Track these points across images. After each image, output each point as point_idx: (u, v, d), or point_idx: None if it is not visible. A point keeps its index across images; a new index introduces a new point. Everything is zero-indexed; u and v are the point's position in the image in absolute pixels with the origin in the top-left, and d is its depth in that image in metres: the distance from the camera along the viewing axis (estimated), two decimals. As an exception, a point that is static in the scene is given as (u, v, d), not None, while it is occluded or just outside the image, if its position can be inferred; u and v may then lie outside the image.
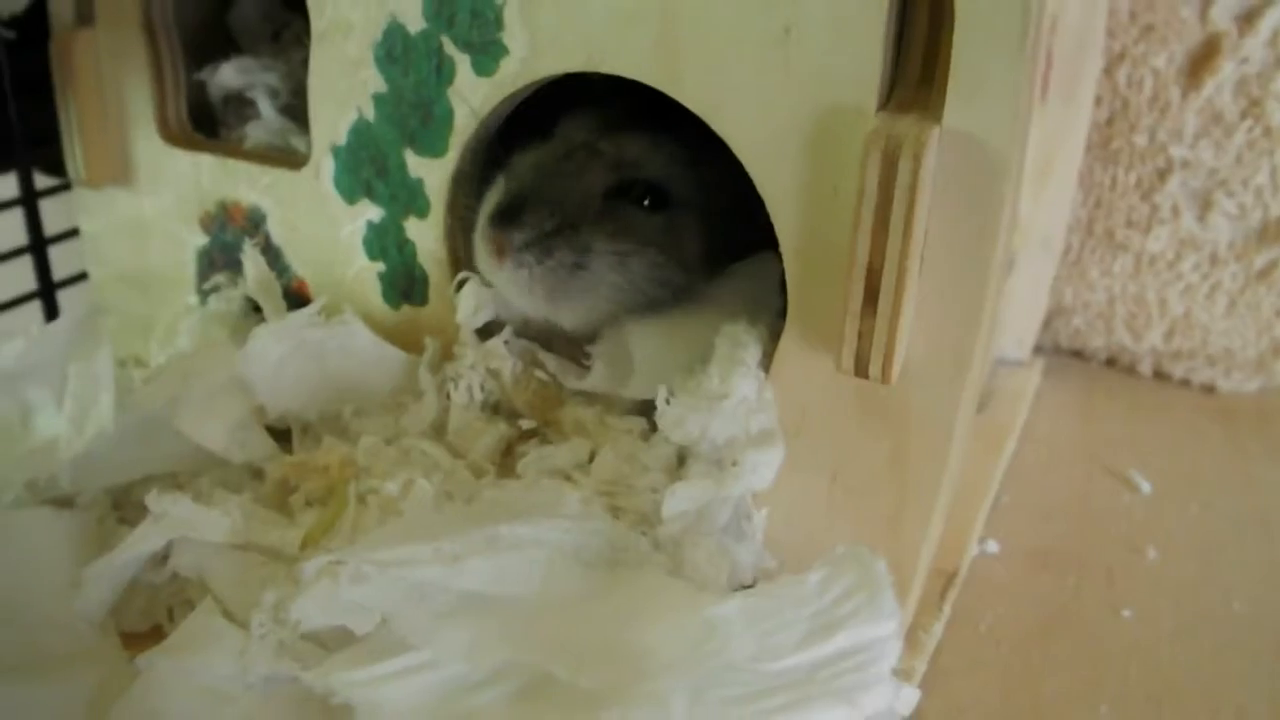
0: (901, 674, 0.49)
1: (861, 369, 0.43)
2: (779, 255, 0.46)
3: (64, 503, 0.54)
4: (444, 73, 0.50)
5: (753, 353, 0.48)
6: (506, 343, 0.55)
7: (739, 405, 0.47)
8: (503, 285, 0.53)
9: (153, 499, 0.49)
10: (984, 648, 0.53)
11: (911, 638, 0.51)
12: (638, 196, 0.54)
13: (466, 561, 0.43)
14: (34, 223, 0.70)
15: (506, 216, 0.51)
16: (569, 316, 0.54)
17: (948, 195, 0.40)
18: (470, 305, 0.55)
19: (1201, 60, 0.67)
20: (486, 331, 0.56)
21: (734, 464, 0.47)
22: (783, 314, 0.47)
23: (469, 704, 0.41)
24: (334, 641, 0.45)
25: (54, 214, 0.71)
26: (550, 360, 0.56)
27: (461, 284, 0.55)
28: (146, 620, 0.50)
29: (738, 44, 0.43)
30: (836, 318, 0.43)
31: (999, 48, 0.39)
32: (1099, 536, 0.61)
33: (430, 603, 0.43)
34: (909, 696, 0.48)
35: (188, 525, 0.48)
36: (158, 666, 0.45)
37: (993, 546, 0.60)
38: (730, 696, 0.39)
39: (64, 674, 0.46)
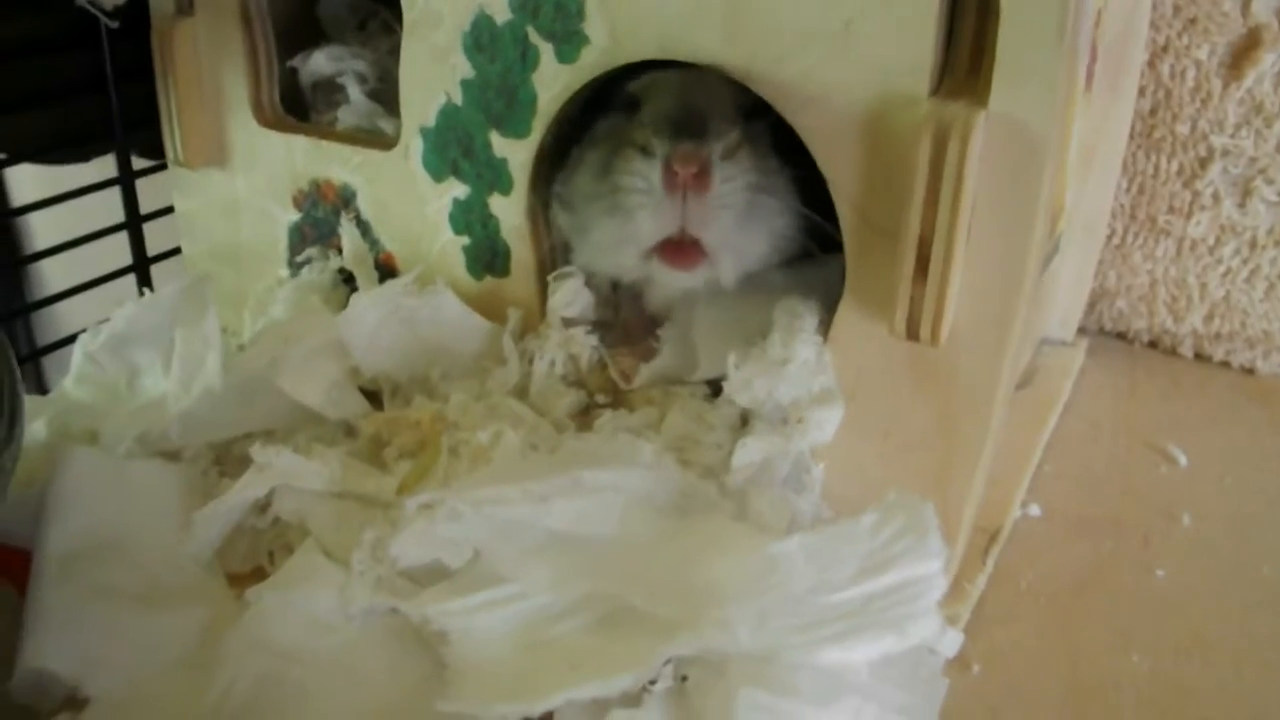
0: (947, 619, 0.54)
1: (913, 332, 0.48)
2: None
3: (171, 456, 0.60)
4: (529, 60, 0.56)
5: (810, 321, 0.54)
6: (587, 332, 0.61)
7: (801, 368, 0.52)
8: (688, 216, 0.54)
9: (257, 450, 0.55)
10: (1024, 601, 0.58)
11: (956, 588, 0.56)
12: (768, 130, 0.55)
13: (552, 502, 0.49)
14: (131, 201, 0.77)
15: (690, 128, 0.52)
16: (750, 252, 0.56)
17: (993, 173, 0.46)
18: (565, 298, 0.60)
19: (1243, 52, 0.72)
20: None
21: (799, 421, 0.52)
22: (829, 304, 0.52)
23: (553, 631, 0.47)
24: (427, 578, 0.50)
25: (149, 193, 0.78)
26: (619, 361, 0.62)
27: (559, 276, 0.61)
28: (249, 562, 0.56)
29: (802, 36, 0.49)
30: (890, 286, 0.48)
31: (1040, 39, 0.44)
32: (1136, 504, 0.66)
33: (518, 540, 0.49)
34: (953, 639, 0.53)
35: (289, 474, 0.54)
36: (265, 599, 0.51)
37: (1035, 510, 0.65)
38: (790, 625, 0.44)
39: (177, 606, 0.53)
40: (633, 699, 0.44)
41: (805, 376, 0.52)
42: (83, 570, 0.52)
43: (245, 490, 0.54)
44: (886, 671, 0.45)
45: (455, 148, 0.60)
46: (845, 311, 0.51)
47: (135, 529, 0.55)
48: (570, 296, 0.60)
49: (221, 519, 0.55)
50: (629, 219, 0.55)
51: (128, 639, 0.50)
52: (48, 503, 0.54)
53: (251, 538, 0.56)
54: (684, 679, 0.44)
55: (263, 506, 0.56)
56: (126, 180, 0.76)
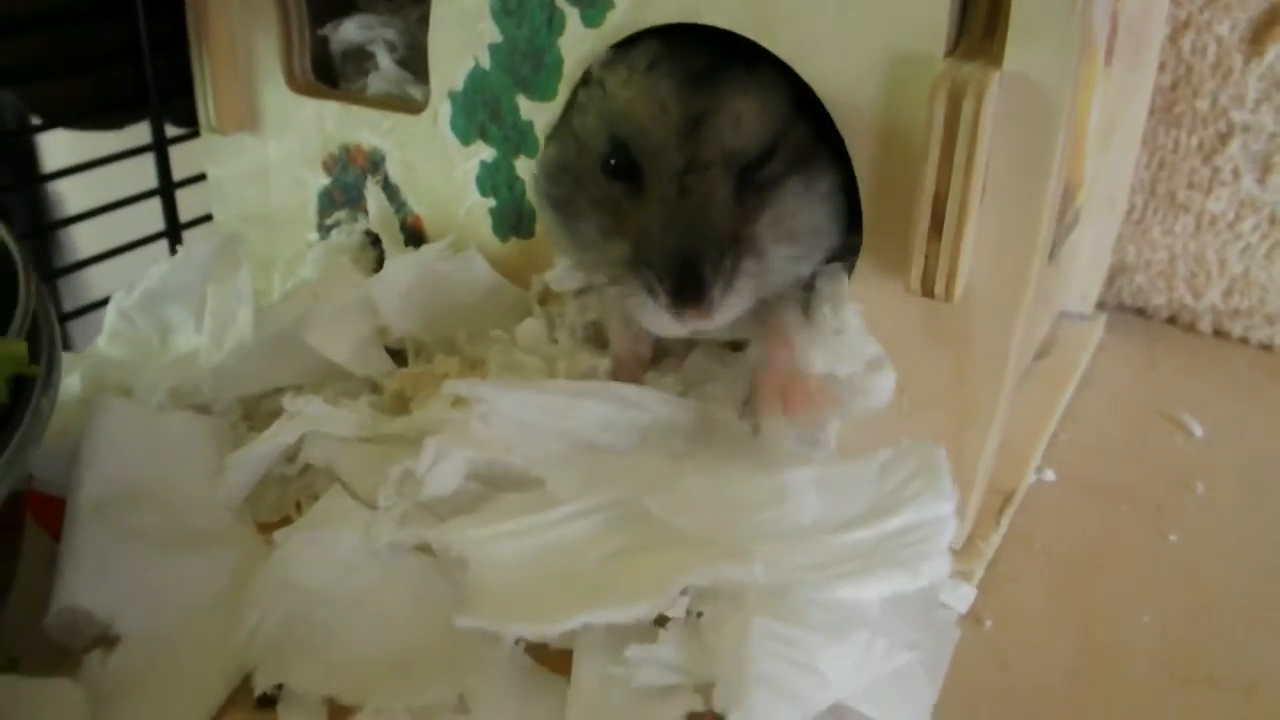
0: (960, 575, 0.56)
1: (928, 289, 0.50)
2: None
3: (202, 409, 0.62)
4: (554, 25, 0.57)
5: (848, 286, 0.55)
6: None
7: (856, 337, 0.54)
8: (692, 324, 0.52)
9: (288, 400, 0.57)
10: (1037, 561, 0.60)
11: (970, 546, 0.58)
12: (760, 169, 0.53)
13: (580, 403, 0.51)
14: (164, 168, 0.79)
15: (690, 287, 0.50)
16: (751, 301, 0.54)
17: (1008, 133, 0.47)
18: (560, 275, 0.61)
19: (1264, 28, 0.73)
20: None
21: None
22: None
23: (571, 561, 0.49)
24: (450, 513, 0.52)
25: (181, 161, 0.80)
26: None
27: None
28: (277, 512, 0.58)
29: (822, -1, 0.50)
30: (906, 244, 0.50)
31: (1054, 2, 0.46)
32: (1150, 472, 0.67)
33: (546, 444, 0.51)
34: (966, 594, 0.55)
35: (319, 420, 0.56)
36: (293, 540, 0.53)
37: (1050, 475, 0.66)
38: (803, 563, 0.46)
39: (207, 550, 0.55)
40: (648, 633, 0.46)
41: (859, 346, 0.54)
42: (115, 514, 0.54)
43: (277, 436, 0.56)
44: (898, 610, 0.46)
45: (483, 111, 0.62)
46: (863, 269, 0.53)
47: (167, 477, 0.56)
48: (564, 274, 0.60)
49: (253, 464, 0.57)
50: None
51: (158, 580, 0.52)
52: (82, 450, 0.56)
53: (280, 488, 0.58)
54: (699, 615, 0.46)
55: (291, 457, 0.58)
56: (160, 146, 0.78)
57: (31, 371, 0.45)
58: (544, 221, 0.62)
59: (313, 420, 0.56)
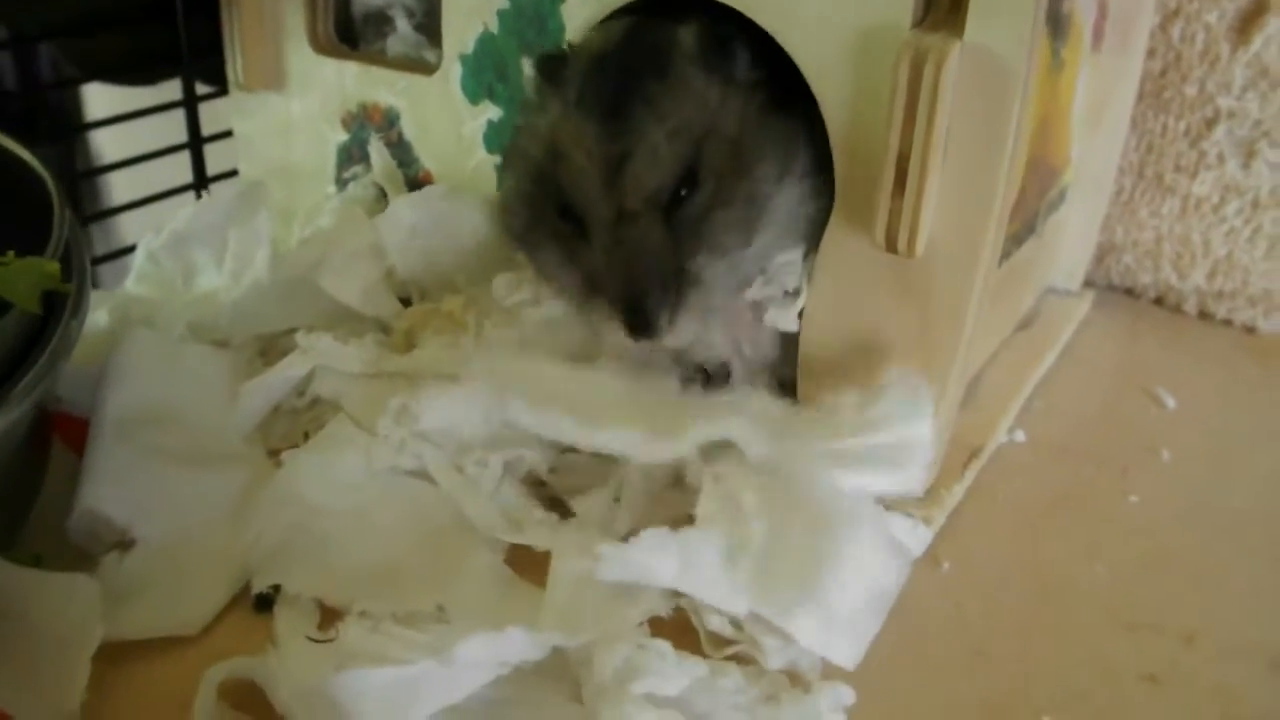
0: (921, 520, 0.60)
1: (891, 244, 0.54)
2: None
3: (220, 344, 0.67)
4: (558, -8, 0.63)
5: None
6: None
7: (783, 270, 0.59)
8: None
9: (301, 336, 0.63)
10: (999, 512, 0.64)
11: (933, 494, 0.62)
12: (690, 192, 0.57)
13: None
14: (193, 123, 0.85)
15: (639, 323, 0.55)
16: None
17: (967, 99, 0.51)
18: (505, 291, 0.66)
19: (1251, 17, 0.77)
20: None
21: None
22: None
23: (602, 393, 0.58)
24: (445, 442, 0.58)
25: (210, 116, 0.86)
26: None
27: None
28: (286, 441, 0.63)
29: (803, -27, 0.55)
30: (873, 202, 0.54)
31: (1012, -24, 0.50)
32: (1119, 438, 0.71)
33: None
34: (923, 536, 0.60)
35: (329, 355, 0.62)
36: (298, 459, 0.58)
37: (1020, 436, 0.70)
38: (797, 448, 0.53)
39: (220, 468, 0.60)
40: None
41: (784, 277, 0.59)
42: (136, 433, 0.59)
43: (289, 368, 0.62)
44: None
45: (491, 72, 0.67)
46: (833, 227, 0.57)
47: (185, 402, 0.62)
48: (507, 287, 0.65)
49: (265, 392, 0.62)
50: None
51: (174, 492, 0.57)
52: (107, 374, 0.61)
53: (290, 419, 0.64)
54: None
55: (301, 390, 0.64)
56: (190, 102, 0.84)
57: (64, 289, 0.51)
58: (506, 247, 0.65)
59: (323, 355, 0.62)
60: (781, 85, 0.57)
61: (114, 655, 0.51)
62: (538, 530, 0.56)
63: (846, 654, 0.52)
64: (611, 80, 0.56)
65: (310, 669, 0.47)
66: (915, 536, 0.59)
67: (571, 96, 0.56)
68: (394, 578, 0.54)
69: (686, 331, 0.57)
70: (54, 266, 0.49)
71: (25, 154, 0.58)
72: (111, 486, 0.56)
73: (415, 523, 0.56)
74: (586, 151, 0.56)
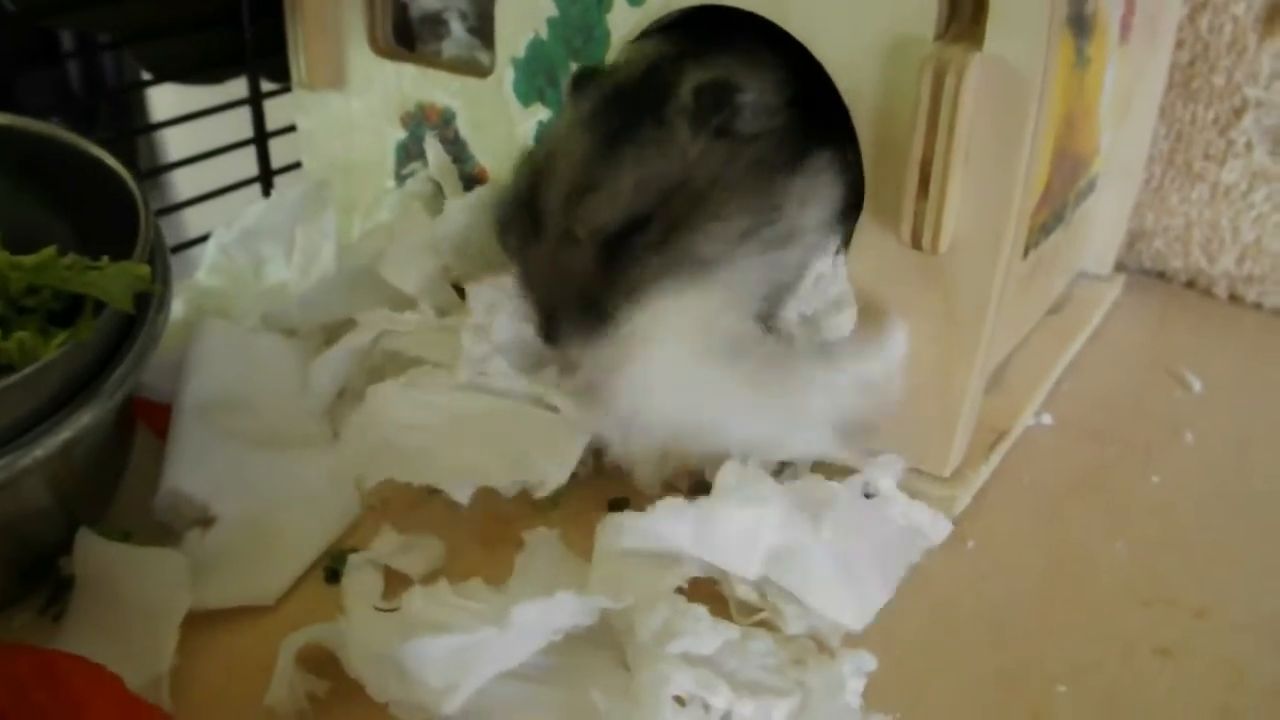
0: (947, 499, 0.65)
1: (916, 242, 0.58)
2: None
3: (289, 333, 0.72)
4: (603, 3, 0.66)
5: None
6: None
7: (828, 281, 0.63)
8: None
9: (362, 315, 0.68)
10: (1023, 493, 0.68)
11: (959, 475, 0.66)
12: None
13: None
14: (258, 119, 0.90)
15: (550, 335, 0.61)
16: None
17: (986, 108, 0.55)
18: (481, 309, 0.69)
19: (1277, 9, 0.80)
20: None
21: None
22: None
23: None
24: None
25: (274, 113, 0.91)
26: None
27: None
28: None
29: (832, -15, 0.59)
30: (899, 203, 0.58)
31: (1029, -7, 0.54)
32: (1144, 420, 0.75)
33: None
34: (942, 526, 0.63)
35: (389, 322, 0.68)
36: (381, 388, 0.64)
37: (1047, 419, 0.74)
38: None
39: (294, 450, 0.66)
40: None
41: (827, 287, 0.63)
42: (214, 417, 0.64)
43: (355, 339, 0.68)
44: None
45: (541, 76, 0.71)
46: (864, 224, 0.61)
47: (259, 388, 0.67)
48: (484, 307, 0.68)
49: (335, 365, 0.68)
50: None
51: (250, 473, 0.63)
52: (186, 363, 0.66)
53: (356, 402, 0.69)
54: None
55: (370, 368, 0.69)
56: (256, 100, 0.89)
57: (155, 290, 0.56)
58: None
59: (385, 320, 0.68)
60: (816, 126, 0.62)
61: (198, 623, 0.56)
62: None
63: (854, 616, 0.57)
64: (617, 112, 0.60)
65: (378, 637, 0.52)
66: (936, 528, 0.63)
67: (584, 115, 0.61)
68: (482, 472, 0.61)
69: (595, 354, 0.60)
70: (144, 270, 0.55)
71: (109, 158, 0.63)
72: (193, 467, 0.62)
73: (505, 436, 0.63)
74: (570, 168, 0.60)
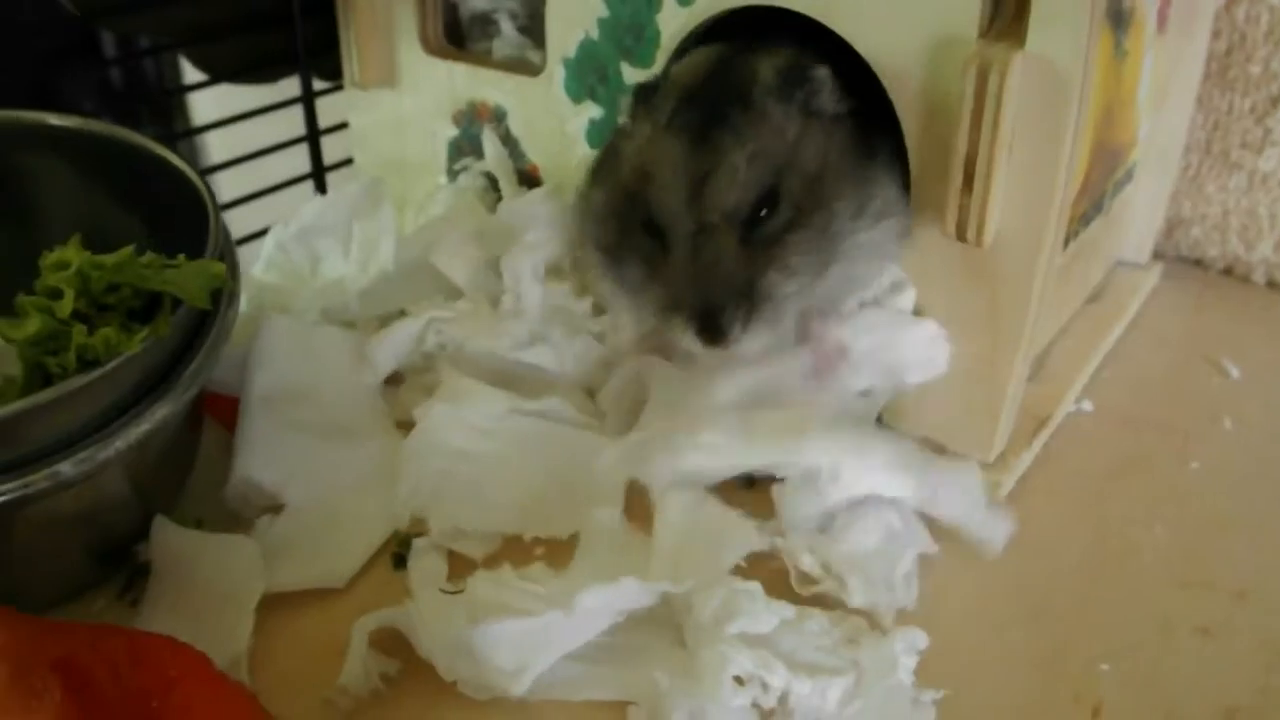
0: (991, 485, 0.67)
1: (961, 235, 0.60)
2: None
3: (348, 325, 0.75)
4: (653, 3, 0.69)
5: None
6: None
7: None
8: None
9: (410, 305, 0.71)
10: (1065, 478, 0.70)
11: (1001, 460, 0.68)
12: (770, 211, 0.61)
13: None
14: (310, 117, 0.93)
15: (712, 335, 0.60)
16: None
17: (1028, 104, 0.57)
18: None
19: (1316, -1, 0.82)
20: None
21: None
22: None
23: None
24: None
25: (326, 111, 0.93)
26: None
27: None
28: (408, 413, 0.70)
29: (876, -14, 0.61)
30: (945, 198, 0.61)
31: (1069, -5, 0.56)
32: (1183, 407, 0.76)
33: None
34: (1004, 526, 0.64)
35: (436, 308, 0.71)
36: (434, 411, 0.66)
37: (1088, 406, 0.76)
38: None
39: (355, 440, 0.68)
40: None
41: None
42: (279, 408, 0.67)
43: (408, 325, 0.72)
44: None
45: (592, 75, 0.74)
46: (912, 219, 0.64)
47: (321, 380, 0.70)
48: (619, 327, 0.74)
49: (391, 347, 0.72)
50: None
51: (316, 462, 0.66)
52: (251, 357, 0.69)
53: (412, 393, 0.71)
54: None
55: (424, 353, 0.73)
56: (308, 98, 0.92)
57: (229, 286, 0.59)
58: (588, 259, 0.70)
59: (435, 307, 0.72)
60: (871, 118, 0.63)
61: (271, 605, 0.59)
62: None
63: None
64: (698, 108, 0.62)
65: (445, 619, 0.55)
66: (997, 528, 0.64)
67: (662, 120, 0.62)
68: (539, 508, 0.64)
69: (756, 344, 0.62)
70: (220, 267, 0.57)
71: (175, 158, 0.66)
72: (262, 457, 0.64)
73: (555, 462, 0.65)
74: (673, 168, 0.61)
